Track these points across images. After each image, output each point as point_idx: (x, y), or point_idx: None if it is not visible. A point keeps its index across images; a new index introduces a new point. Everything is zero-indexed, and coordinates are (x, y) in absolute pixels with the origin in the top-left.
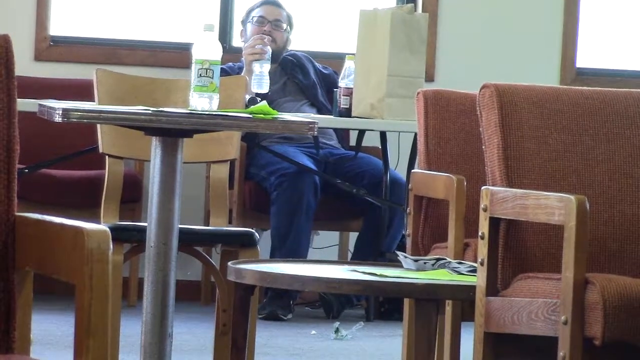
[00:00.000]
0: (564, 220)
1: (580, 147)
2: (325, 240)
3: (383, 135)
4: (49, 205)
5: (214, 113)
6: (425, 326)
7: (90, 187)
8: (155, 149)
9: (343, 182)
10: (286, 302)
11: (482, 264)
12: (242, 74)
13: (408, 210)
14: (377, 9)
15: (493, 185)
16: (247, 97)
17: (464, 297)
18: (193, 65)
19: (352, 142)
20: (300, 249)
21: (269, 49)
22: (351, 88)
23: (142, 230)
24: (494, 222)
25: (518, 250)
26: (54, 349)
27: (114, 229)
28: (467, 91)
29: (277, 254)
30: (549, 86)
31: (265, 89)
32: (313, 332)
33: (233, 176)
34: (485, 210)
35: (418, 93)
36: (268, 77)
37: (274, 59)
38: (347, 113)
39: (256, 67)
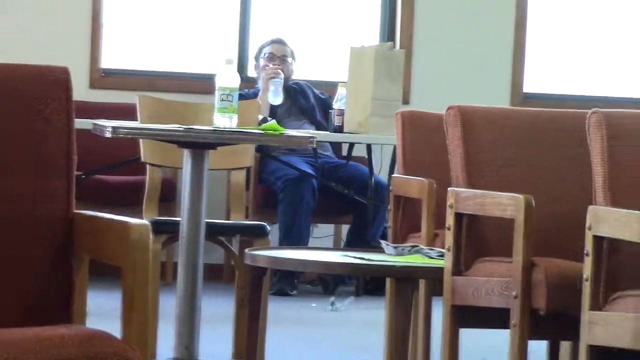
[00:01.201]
0: (514, 215)
1: (526, 156)
2: (322, 231)
3: (369, 147)
4: (101, 204)
5: (234, 130)
6: (403, 300)
7: (134, 189)
8: (186, 158)
9: (337, 185)
10: (291, 281)
11: (448, 250)
12: (260, 92)
13: (389, 207)
14: (363, 46)
15: (457, 187)
16: (260, 117)
17: (434, 277)
18: (216, 92)
19: (344, 152)
20: (303, 238)
21: (281, 72)
22: (343, 109)
23: (176, 224)
24: (458, 217)
25: (477, 239)
26: (106, 320)
27: (153, 223)
28: (436, 112)
29: (284, 242)
30: (502, 107)
31: (280, 100)
32: (313, 305)
33: (249, 180)
34: (451, 207)
35: (397, 113)
36: (282, 91)
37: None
38: (339, 129)
39: (272, 85)
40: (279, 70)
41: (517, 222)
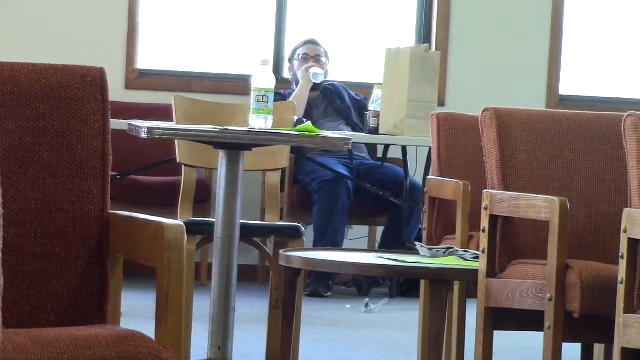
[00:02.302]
0: (549, 217)
1: (562, 159)
2: (357, 233)
3: (404, 149)
4: (136, 204)
5: (269, 131)
6: (438, 302)
7: (169, 190)
8: (221, 159)
9: (372, 186)
10: (326, 282)
11: (483, 252)
12: (300, 84)
13: (424, 209)
14: (399, 47)
15: (492, 189)
16: (295, 118)
17: (468, 279)
18: (252, 93)
19: (379, 154)
20: (337, 240)
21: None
22: (378, 111)
23: (211, 225)
24: (493, 219)
25: (512, 241)
26: (140, 320)
27: (188, 224)
28: (472, 114)
29: (318, 244)
30: (538, 109)
31: (322, 77)
32: (348, 306)
33: (284, 181)
34: (486, 209)
35: (432, 115)
36: (323, 73)
37: (318, 87)
38: (375, 131)
39: (310, 73)
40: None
41: (552, 225)
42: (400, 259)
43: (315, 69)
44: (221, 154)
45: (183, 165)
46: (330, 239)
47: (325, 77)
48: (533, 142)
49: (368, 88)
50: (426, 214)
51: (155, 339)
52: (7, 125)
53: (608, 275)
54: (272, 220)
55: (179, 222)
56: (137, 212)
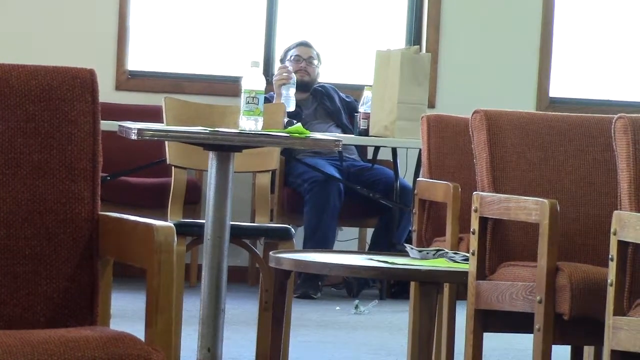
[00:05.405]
0: (539, 219)
1: (552, 161)
2: (347, 234)
3: (394, 150)
4: (126, 206)
5: (259, 132)
6: (428, 304)
7: (159, 191)
8: (211, 161)
9: (362, 188)
10: (316, 284)
11: (473, 254)
12: (275, 97)
13: (414, 211)
14: (390, 49)
15: (482, 191)
16: (285, 119)
17: (458, 281)
18: (242, 94)
19: (369, 156)
20: (327, 241)
21: (292, 75)
22: (369, 113)
23: (201, 226)
24: (483, 221)
25: (502, 243)
26: (130, 322)
27: (178, 225)
28: (462, 115)
29: (308, 245)
30: (528, 112)
31: (292, 107)
32: (337, 308)
33: (274, 183)
34: (475, 211)
35: (422, 117)
36: (294, 98)
37: (308, 88)
38: (365, 133)
39: (283, 91)
40: (291, 75)
41: (541, 227)
42: (390, 261)
43: (285, 92)
44: (211, 156)
45: (173, 167)
46: (320, 239)
47: (317, 79)
48: (523, 144)
49: (358, 90)
50: (416, 216)
51: (145, 340)
52: None
53: (598, 277)
54: (262, 221)
55: (168, 223)
56: (127, 214)
